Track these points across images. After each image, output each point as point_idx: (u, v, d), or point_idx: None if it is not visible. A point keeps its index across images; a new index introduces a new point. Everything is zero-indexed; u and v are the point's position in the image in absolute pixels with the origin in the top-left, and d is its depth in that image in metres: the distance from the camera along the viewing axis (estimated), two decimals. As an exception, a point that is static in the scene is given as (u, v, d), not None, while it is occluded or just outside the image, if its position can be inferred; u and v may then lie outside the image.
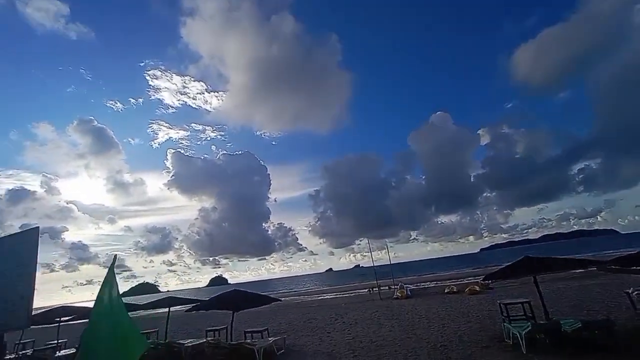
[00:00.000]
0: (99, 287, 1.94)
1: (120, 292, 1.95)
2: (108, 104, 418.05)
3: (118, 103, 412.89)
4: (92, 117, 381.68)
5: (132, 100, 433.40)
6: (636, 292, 7.86)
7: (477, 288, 21.45)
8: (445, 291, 24.06)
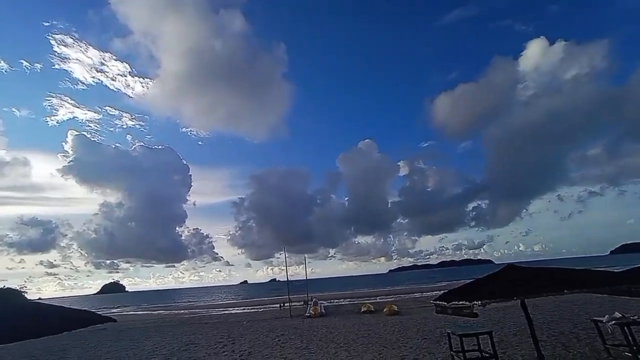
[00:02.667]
0: None
1: None
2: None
3: (2, 62, 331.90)
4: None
5: (25, 64, 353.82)
6: (613, 322, 6.12)
7: (396, 308, 19.73)
8: (362, 310, 21.88)
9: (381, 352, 8.70)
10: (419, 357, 7.83)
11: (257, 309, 34.32)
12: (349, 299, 38.49)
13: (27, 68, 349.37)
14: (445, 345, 8.65)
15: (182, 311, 38.61)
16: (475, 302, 3.81)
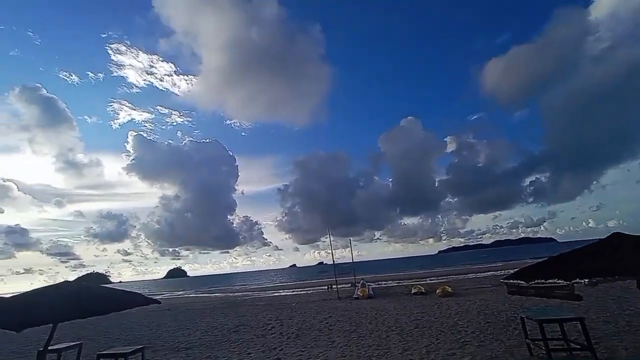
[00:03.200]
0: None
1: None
2: (61, 75, 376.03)
3: (74, 75, 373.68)
4: (39, 85, 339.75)
5: (91, 75, 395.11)
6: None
7: (450, 289, 18.49)
8: (412, 292, 20.91)
9: (438, 336, 7.83)
10: (484, 344, 6.85)
11: (305, 291, 34.93)
12: (397, 281, 37.46)
13: (92, 78, 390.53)
14: (515, 331, 7.53)
15: (236, 294, 40.71)
16: (577, 281, 2.82)
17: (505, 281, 4.94)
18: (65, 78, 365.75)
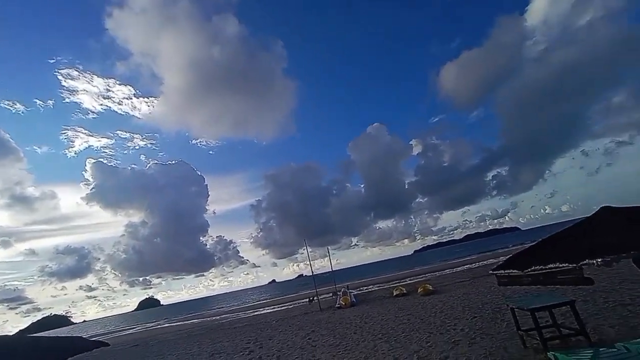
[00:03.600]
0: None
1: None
2: (4, 105, 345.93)
3: (18, 104, 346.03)
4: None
5: (39, 102, 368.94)
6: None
7: (431, 287, 18.41)
8: (395, 294, 20.65)
9: (428, 339, 7.41)
10: (475, 341, 6.50)
11: (286, 306, 33.62)
12: (378, 285, 37.25)
13: (41, 106, 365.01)
14: (503, 324, 7.28)
15: (214, 317, 38.37)
16: (587, 262, 2.45)
17: (495, 272, 4.59)
18: (9, 107, 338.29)
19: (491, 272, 4.65)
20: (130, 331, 46.26)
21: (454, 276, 26.98)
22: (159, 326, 45.02)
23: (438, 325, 8.65)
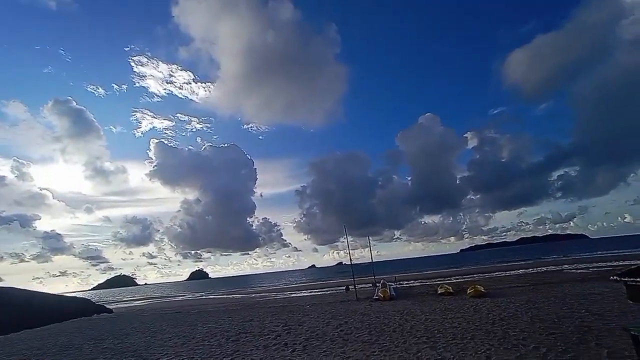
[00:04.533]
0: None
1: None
2: (89, 89, 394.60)
3: (100, 88, 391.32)
4: (69, 97, 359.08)
5: (116, 87, 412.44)
6: None
7: (482, 289, 16.25)
8: (439, 292, 18.75)
9: (489, 353, 5.88)
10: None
11: (323, 291, 33.22)
12: (419, 280, 35.03)
13: (117, 90, 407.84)
14: (603, 351, 5.44)
15: (253, 295, 39.56)
16: None
17: (619, 278, 2.97)
18: (93, 91, 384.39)
19: (614, 277, 3.05)
20: (180, 298, 49.98)
21: (508, 280, 24.01)
22: (204, 297, 47.89)
23: (499, 336, 7.00)
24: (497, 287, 19.18)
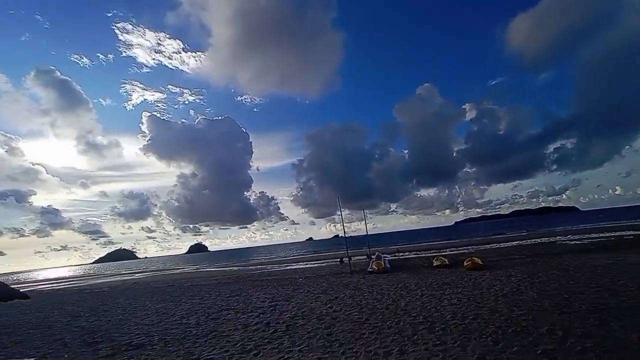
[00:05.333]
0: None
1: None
2: (73, 58, 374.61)
3: (84, 58, 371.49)
4: (53, 67, 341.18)
5: (101, 56, 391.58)
6: None
7: (479, 261, 15.66)
8: (435, 264, 18.27)
9: (496, 337, 5.05)
10: (589, 357, 4.06)
11: (318, 263, 33.07)
12: (415, 252, 34.90)
13: (103, 60, 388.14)
14: (634, 335, 4.64)
15: (249, 267, 39.49)
16: None
17: None
18: (77, 61, 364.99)
19: None
20: (177, 271, 50.18)
21: (503, 252, 23.65)
22: (200, 270, 48.06)
23: (505, 316, 6.21)
24: (494, 259, 18.73)
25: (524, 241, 34.24)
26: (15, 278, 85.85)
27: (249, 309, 9.70)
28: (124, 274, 57.01)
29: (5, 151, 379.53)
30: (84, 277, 57.74)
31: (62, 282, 44.62)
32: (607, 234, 30.87)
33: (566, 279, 9.28)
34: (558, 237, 33.92)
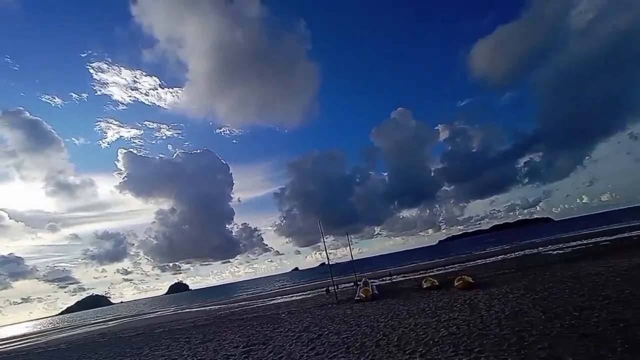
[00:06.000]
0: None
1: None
2: (44, 99, 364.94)
3: (57, 98, 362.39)
4: (21, 108, 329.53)
5: (75, 95, 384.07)
6: None
7: (470, 279, 14.87)
8: (424, 286, 17.30)
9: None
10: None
11: (304, 295, 31.15)
12: (402, 274, 33.80)
13: (77, 99, 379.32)
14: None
15: (229, 305, 36.78)
16: None
17: None
18: (49, 101, 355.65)
19: None
20: (151, 315, 46.03)
21: (492, 267, 23.11)
22: (177, 312, 44.31)
23: (516, 344, 5.25)
24: (485, 276, 18.03)
25: (508, 255, 34.03)
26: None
27: (221, 355, 8.19)
28: (92, 323, 51.69)
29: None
30: (43, 332, 51.70)
31: (12, 342, 39.45)
32: (585, 241, 31.37)
33: (568, 292, 8.54)
34: (540, 248, 34.08)
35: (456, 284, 15.15)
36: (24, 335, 51.92)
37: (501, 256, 34.46)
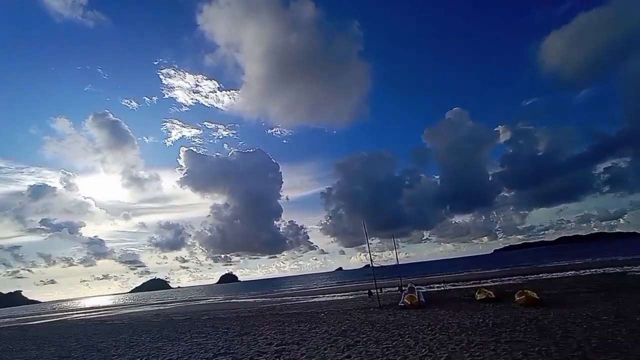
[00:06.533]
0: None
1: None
2: (123, 102, 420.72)
3: (133, 102, 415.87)
4: (107, 111, 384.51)
5: (147, 99, 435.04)
6: None
7: (535, 295, 12.84)
8: (478, 298, 15.59)
9: None
10: None
11: (346, 295, 30.49)
12: (452, 283, 31.25)
13: (148, 102, 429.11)
14: None
15: (274, 299, 37.61)
16: None
17: None
18: (127, 104, 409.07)
19: None
20: (202, 302, 49.12)
21: (561, 284, 20.04)
22: (225, 301, 46.62)
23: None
24: (552, 293, 15.64)
25: (581, 271, 29.49)
26: (56, 307, 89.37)
27: (250, 353, 7.92)
28: (152, 304, 56.94)
29: (64, 187, 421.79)
30: (115, 306, 58.40)
31: (94, 312, 45.01)
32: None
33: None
34: (625, 267, 28.87)
35: (517, 298, 13.29)
36: (102, 307, 59.24)
37: (572, 272, 30.09)
